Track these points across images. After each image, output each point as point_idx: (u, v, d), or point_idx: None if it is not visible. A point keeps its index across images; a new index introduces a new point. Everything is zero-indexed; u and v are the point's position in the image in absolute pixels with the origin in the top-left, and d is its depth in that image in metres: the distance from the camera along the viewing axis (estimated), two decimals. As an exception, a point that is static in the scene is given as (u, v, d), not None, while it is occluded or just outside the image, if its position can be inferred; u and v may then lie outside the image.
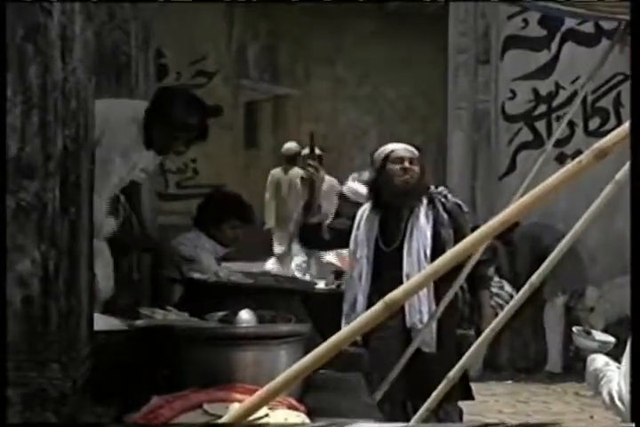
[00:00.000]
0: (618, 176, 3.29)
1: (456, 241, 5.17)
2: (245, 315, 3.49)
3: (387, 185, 5.23)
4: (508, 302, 5.62)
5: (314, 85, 16.72)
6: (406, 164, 5.20)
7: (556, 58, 8.14)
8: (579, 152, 8.06)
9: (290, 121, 16.76)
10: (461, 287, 5.16)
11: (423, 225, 5.19)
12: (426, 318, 5.01)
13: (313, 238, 5.48)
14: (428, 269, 2.06)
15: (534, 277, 3.97)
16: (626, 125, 1.87)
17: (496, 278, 6.47)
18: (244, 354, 3.20)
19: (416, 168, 5.23)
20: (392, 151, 5.29)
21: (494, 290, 5.60)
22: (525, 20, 8.03)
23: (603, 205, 3.30)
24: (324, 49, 16.45)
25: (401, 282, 4.89)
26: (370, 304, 5.08)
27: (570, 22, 7.94)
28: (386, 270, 5.12)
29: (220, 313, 3.65)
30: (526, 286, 4.12)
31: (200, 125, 4.92)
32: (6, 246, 2.39)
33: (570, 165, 1.90)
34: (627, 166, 3.36)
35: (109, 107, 4.72)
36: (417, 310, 5.07)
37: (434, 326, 5.04)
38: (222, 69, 14.95)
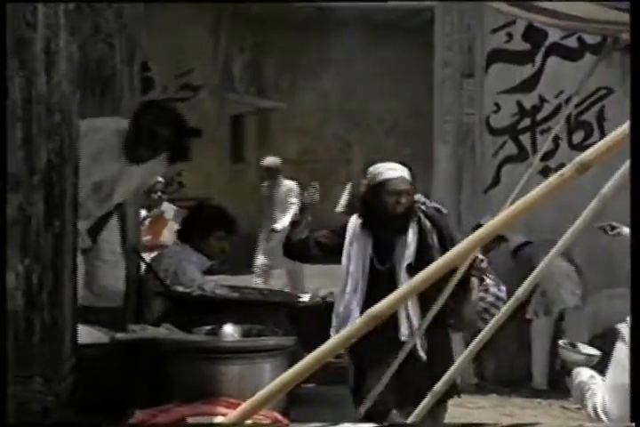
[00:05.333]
0: (603, 190, 3.30)
1: (441, 245, 5.23)
2: (230, 329, 3.50)
3: (379, 213, 5.23)
4: (494, 305, 5.63)
5: (300, 99, 16.77)
6: (402, 199, 5.19)
7: (540, 72, 8.17)
8: (563, 166, 8.02)
9: (276, 134, 16.80)
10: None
11: (412, 241, 5.22)
12: (416, 327, 5.04)
13: (299, 252, 5.48)
14: (412, 281, 2.07)
15: (520, 291, 3.97)
16: (607, 139, 1.88)
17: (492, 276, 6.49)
18: (229, 368, 3.20)
19: (410, 197, 5.22)
20: (388, 181, 5.22)
21: (481, 294, 5.62)
22: (509, 34, 8.07)
23: (588, 219, 3.31)
24: (309, 62, 16.50)
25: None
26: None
27: (553, 36, 7.99)
28: (381, 287, 5.11)
29: (207, 327, 3.65)
30: (511, 300, 4.11)
31: (178, 143, 4.97)
32: (6, 249, 2.37)
33: (552, 179, 1.91)
34: (612, 181, 3.37)
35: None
36: (408, 321, 5.11)
37: (423, 334, 5.07)
38: (208, 83, 14.97)
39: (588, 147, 7.55)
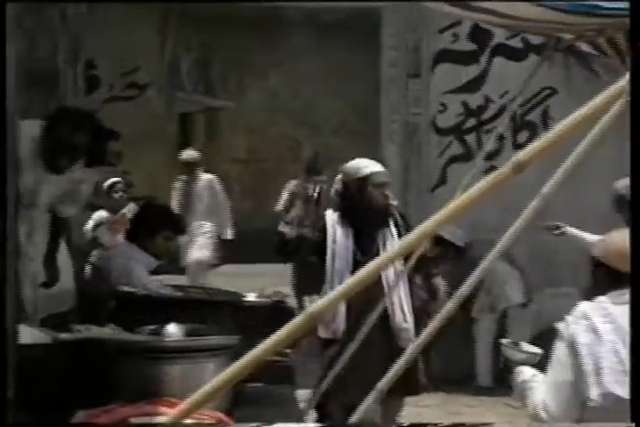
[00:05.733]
0: (544, 189, 3.34)
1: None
2: (173, 328, 3.49)
3: (363, 206, 5.27)
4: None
5: (248, 98, 16.74)
6: (387, 191, 5.28)
7: (485, 72, 8.22)
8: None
9: (224, 133, 16.77)
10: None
11: (394, 233, 5.31)
12: (409, 316, 5.08)
13: (292, 250, 5.58)
14: (351, 280, 2.08)
15: (463, 289, 4.01)
16: (542, 140, 1.91)
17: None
18: (173, 367, 3.20)
19: (390, 190, 5.35)
20: (374, 174, 5.32)
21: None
22: (455, 35, 8.10)
23: (529, 218, 3.34)
24: (258, 62, 16.48)
25: (382, 290, 5.03)
26: (349, 314, 5.18)
27: (499, 37, 8.04)
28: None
29: (150, 327, 3.64)
30: (454, 298, 4.15)
31: (93, 148, 4.92)
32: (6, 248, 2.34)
33: (489, 177, 1.94)
34: (552, 180, 3.42)
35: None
36: (400, 309, 5.18)
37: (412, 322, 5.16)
38: (155, 81, 14.90)
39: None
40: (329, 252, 5.29)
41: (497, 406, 7.54)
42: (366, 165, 5.37)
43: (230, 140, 16.66)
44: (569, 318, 3.29)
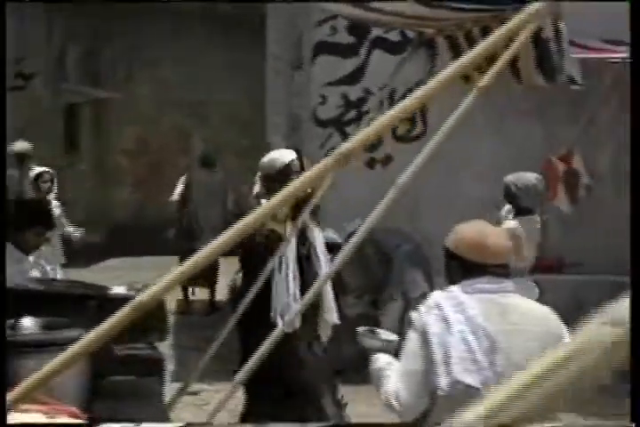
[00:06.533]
0: (399, 180, 3.40)
1: None
2: (28, 322, 3.45)
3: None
4: None
5: (137, 89, 16.57)
6: None
7: (364, 64, 8.29)
8: (388, 157, 8.23)
9: (112, 124, 16.59)
10: None
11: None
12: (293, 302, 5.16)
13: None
14: (183, 267, 2.07)
15: (331, 268, 4.09)
16: (361, 133, 1.94)
17: None
18: (26, 362, 3.16)
19: None
20: (292, 162, 5.41)
21: None
22: (334, 28, 8.14)
23: (386, 207, 3.41)
24: (148, 52, 16.33)
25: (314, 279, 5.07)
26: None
27: (377, 30, 8.10)
28: (307, 270, 5.27)
29: (10, 321, 3.59)
30: (322, 277, 4.27)
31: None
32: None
33: (315, 168, 1.96)
34: (407, 172, 3.48)
35: None
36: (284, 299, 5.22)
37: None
38: (41, 72, 14.68)
39: (412, 138, 7.75)
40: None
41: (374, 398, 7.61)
42: (282, 155, 5.48)
43: (118, 132, 16.49)
44: (421, 308, 3.34)
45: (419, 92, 2.02)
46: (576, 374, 0.77)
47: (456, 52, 4.74)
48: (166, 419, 3.81)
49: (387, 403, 3.34)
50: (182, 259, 10.84)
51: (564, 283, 7.70)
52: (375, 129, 1.91)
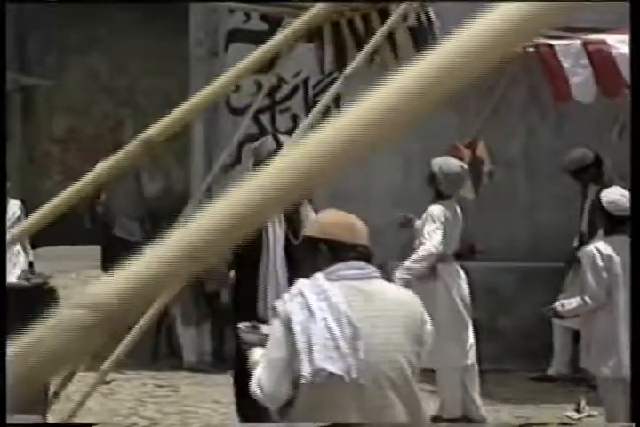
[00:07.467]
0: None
1: None
2: None
3: None
4: None
5: (66, 76, 16.39)
6: None
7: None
8: (303, 145, 8.22)
9: (41, 112, 16.39)
10: None
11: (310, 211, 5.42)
12: None
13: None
14: (57, 199, 2.04)
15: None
16: (167, 118, 1.92)
17: None
18: None
19: None
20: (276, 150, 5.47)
21: None
22: (247, 15, 8.10)
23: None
24: (77, 39, 16.15)
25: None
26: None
27: (291, 18, 8.05)
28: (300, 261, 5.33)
29: None
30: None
31: None
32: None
33: (119, 155, 1.94)
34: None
35: None
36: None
37: None
38: (-35, 58, 14.46)
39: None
40: (267, 234, 5.32)
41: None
42: (267, 139, 5.69)
43: (48, 120, 16.31)
44: (285, 296, 3.34)
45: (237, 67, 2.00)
46: (45, 355, 0.76)
47: (339, 39, 4.75)
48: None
49: (252, 391, 3.33)
50: (105, 248, 10.77)
51: (476, 269, 7.75)
52: (179, 112, 1.89)
